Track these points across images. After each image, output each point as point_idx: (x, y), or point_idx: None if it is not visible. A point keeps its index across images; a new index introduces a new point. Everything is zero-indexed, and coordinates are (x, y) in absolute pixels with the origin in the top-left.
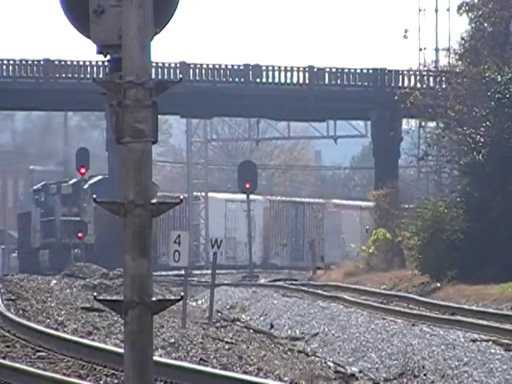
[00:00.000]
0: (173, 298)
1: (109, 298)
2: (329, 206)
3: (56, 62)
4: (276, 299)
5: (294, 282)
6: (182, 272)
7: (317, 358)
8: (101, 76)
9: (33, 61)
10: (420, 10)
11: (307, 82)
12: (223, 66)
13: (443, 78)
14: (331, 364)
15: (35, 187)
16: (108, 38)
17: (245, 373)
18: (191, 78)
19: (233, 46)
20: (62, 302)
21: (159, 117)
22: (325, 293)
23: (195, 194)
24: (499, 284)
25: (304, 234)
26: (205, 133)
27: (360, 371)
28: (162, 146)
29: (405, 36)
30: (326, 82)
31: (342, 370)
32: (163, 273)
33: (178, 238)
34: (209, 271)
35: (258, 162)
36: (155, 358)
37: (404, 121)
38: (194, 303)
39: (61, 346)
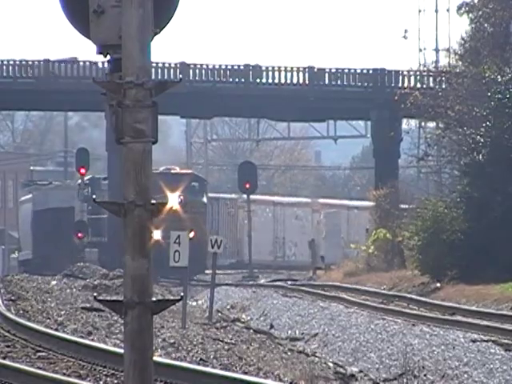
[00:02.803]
0: (173, 298)
1: (109, 298)
2: (241, 201)
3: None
4: (276, 299)
5: (294, 282)
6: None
7: (317, 359)
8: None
9: (33, 61)
10: (420, 11)
11: (307, 82)
12: (223, 66)
13: (443, 79)
14: (331, 364)
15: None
16: (108, 38)
17: (245, 373)
18: (191, 78)
19: (233, 46)
20: (61, 302)
21: (159, 117)
22: (325, 293)
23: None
24: (499, 284)
25: (219, 230)
26: (205, 133)
27: (360, 371)
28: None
29: (405, 36)
30: (326, 82)
31: (341, 370)
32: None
33: (178, 239)
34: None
35: (258, 163)
36: (155, 358)
37: (404, 121)
38: (194, 303)
39: (61, 346)
